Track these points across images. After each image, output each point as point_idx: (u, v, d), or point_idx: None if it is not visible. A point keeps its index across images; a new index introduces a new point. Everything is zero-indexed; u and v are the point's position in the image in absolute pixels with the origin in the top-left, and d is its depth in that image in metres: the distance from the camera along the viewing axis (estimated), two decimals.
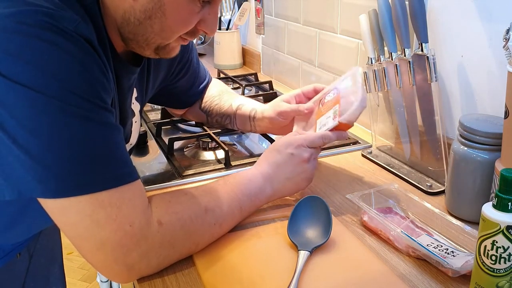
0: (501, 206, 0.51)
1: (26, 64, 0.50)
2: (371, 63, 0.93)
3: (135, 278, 0.61)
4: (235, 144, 1.09)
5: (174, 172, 0.93)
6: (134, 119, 0.80)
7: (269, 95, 1.35)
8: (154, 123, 1.16)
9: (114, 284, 1.59)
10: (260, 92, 1.42)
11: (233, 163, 0.94)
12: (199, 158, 1.01)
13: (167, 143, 1.01)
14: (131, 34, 0.63)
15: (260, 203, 0.74)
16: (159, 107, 1.23)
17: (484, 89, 0.82)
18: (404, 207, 0.76)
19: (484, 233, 0.53)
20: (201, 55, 2.09)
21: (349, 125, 0.78)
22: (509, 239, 0.51)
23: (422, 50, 0.83)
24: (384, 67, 0.91)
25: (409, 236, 0.66)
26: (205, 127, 1.08)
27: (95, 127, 0.54)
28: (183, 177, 0.90)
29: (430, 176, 0.88)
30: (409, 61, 0.85)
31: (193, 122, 1.12)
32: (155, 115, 1.27)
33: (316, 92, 0.90)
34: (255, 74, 1.60)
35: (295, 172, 0.75)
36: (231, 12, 1.90)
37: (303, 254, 0.63)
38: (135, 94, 0.78)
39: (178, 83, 0.96)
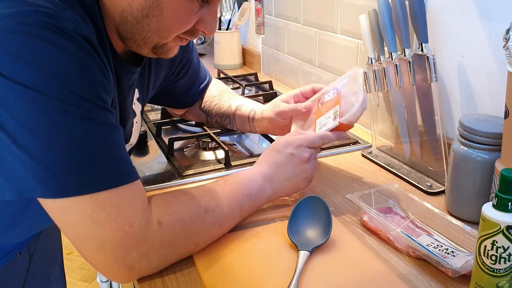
0: (501, 206, 0.51)
1: (26, 64, 0.50)
2: (371, 63, 0.93)
3: (135, 278, 0.61)
4: (235, 144, 1.09)
5: (174, 172, 0.93)
6: (135, 120, 0.80)
7: (269, 95, 1.35)
8: (154, 123, 1.16)
9: (114, 284, 1.59)
10: (260, 92, 1.42)
11: (233, 163, 0.94)
12: (199, 158, 1.01)
13: (167, 143, 1.01)
14: (129, 33, 0.63)
15: (260, 203, 0.74)
16: (159, 107, 1.23)
17: (484, 89, 0.82)
18: (404, 207, 0.76)
19: (484, 233, 0.53)
20: (201, 55, 2.09)
21: (350, 126, 0.78)
22: (509, 239, 0.51)
23: (422, 50, 0.83)
24: (384, 67, 0.91)
25: (409, 236, 0.66)
26: (205, 127, 1.08)
27: (95, 127, 0.54)
28: (183, 177, 0.90)
29: (430, 176, 0.88)
30: (409, 61, 0.85)
31: (193, 122, 1.12)
32: (155, 115, 1.27)
33: (314, 92, 0.91)
34: (255, 74, 1.60)
35: (294, 172, 0.75)
36: (231, 12, 1.90)
37: (303, 254, 0.63)
38: (136, 94, 0.78)
39: (178, 83, 0.96)
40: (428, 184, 0.85)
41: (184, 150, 1.05)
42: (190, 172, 0.91)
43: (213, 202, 0.66)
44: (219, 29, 1.83)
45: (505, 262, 0.52)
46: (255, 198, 0.72)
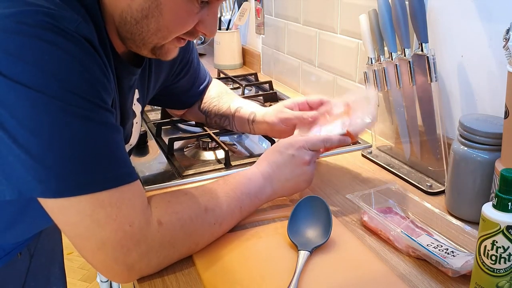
0: (501, 206, 0.51)
1: (27, 64, 0.50)
2: (371, 63, 0.94)
3: (135, 278, 0.61)
4: (235, 144, 1.09)
5: (174, 172, 0.93)
6: (135, 120, 0.80)
7: (269, 95, 1.35)
8: (154, 123, 1.16)
9: (114, 284, 1.59)
10: (260, 92, 1.42)
11: (233, 163, 0.94)
12: (199, 158, 1.01)
13: (167, 143, 1.01)
14: (128, 34, 0.63)
15: (260, 202, 0.74)
16: (159, 107, 1.23)
17: (484, 89, 0.82)
18: (404, 207, 0.76)
19: (484, 233, 0.53)
20: (201, 55, 2.09)
21: (354, 138, 0.81)
22: (509, 239, 0.51)
23: (422, 50, 0.83)
24: (384, 67, 0.91)
25: (409, 236, 0.66)
26: (205, 127, 1.08)
27: (96, 127, 0.54)
28: (183, 177, 0.90)
29: (430, 176, 0.88)
30: (409, 61, 0.85)
31: (193, 122, 1.12)
32: (155, 115, 1.27)
33: (321, 103, 0.90)
34: (255, 74, 1.60)
35: (294, 173, 0.75)
36: (231, 12, 1.90)
37: (303, 254, 0.63)
38: (136, 95, 0.78)
39: (178, 83, 0.96)
40: (428, 184, 0.85)
41: (184, 150, 1.05)
42: (190, 172, 0.91)
43: (213, 201, 0.66)
44: (219, 29, 1.83)
45: (505, 262, 0.52)
46: (255, 198, 0.72)
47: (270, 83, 1.46)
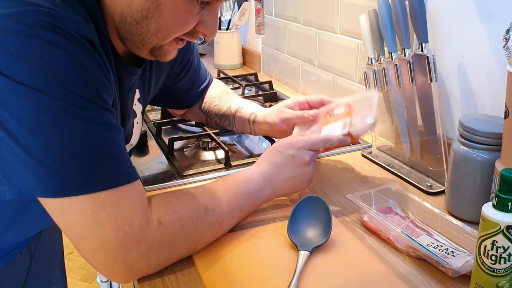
0: (501, 206, 0.51)
1: (27, 64, 0.50)
2: (371, 63, 0.94)
3: (135, 278, 0.61)
4: (235, 144, 1.09)
5: (174, 172, 0.93)
6: (135, 120, 0.80)
7: (269, 95, 1.35)
8: (154, 123, 1.16)
9: (114, 284, 1.59)
10: (260, 92, 1.42)
11: (233, 163, 0.94)
12: (199, 158, 1.01)
13: (167, 143, 1.01)
14: (128, 34, 0.63)
15: (260, 202, 0.74)
16: (160, 107, 1.23)
17: (484, 89, 0.82)
18: (404, 207, 0.76)
19: (484, 233, 0.53)
20: (201, 55, 2.09)
21: (355, 139, 0.80)
22: (509, 239, 0.51)
23: (422, 50, 0.83)
24: (384, 67, 0.91)
25: (409, 236, 0.66)
26: (205, 127, 1.08)
27: (96, 127, 0.54)
28: (183, 177, 0.90)
29: (430, 176, 0.88)
30: (409, 61, 0.85)
31: (193, 122, 1.12)
32: (155, 115, 1.27)
33: (322, 103, 0.90)
34: (255, 74, 1.60)
35: (294, 173, 0.75)
36: (231, 12, 1.90)
37: (303, 254, 0.63)
38: (137, 95, 0.78)
39: (179, 83, 0.96)
40: (428, 184, 0.85)
41: (184, 150, 1.05)
42: (190, 172, 0.92)
43: (213, 201, 0.66)
44: (219, 29, 1.83)
45: (505, 262, 0.52)
46: (255, 197, 0.72)
47: (270, 83, 1.46)
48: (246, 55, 1.86)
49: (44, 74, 0.51)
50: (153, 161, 0.99)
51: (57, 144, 0.52)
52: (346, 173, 0.93)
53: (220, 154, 1.01)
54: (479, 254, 0.54)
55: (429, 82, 0.83)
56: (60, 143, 0.52)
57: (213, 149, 1.03)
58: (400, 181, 0.88)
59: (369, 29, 0.92)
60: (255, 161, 0.79)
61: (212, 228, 0.66)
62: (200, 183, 0.73)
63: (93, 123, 0.54)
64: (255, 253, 0.66)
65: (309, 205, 0.71)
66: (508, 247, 0.51)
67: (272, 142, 1.00)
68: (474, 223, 0.70)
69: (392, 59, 0.89)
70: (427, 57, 0.82)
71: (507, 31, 0.61)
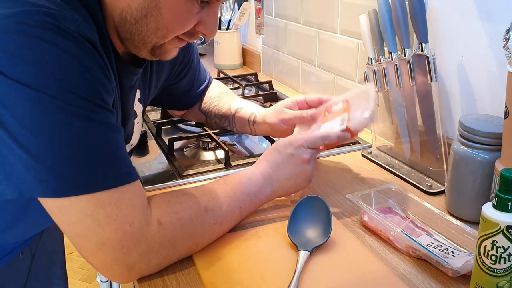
0: (501, 206, 0.51)
1: (27, 64, 0.50)
2: (371, 63, 0.94)
3: (135, 278, 0.61)
4: (235, 144, 1.09)
5: (174, 172, 0.93)
6: (136, 120, 0.80)
7: (269, 95, 1.35)
8: (154, 123, 1.16)
9: (114, 284, 1.59)
10: (260, 92, 1.42)
11: (233, 163, 0.94)
12: (199, 158, 1.01)
13: (167, 143, 1.01)
14: (128, 34, 0.63)
15: (260, 202, 0.74)
16: (160, 107, 1.23)
17: (484, 89, 0.82)
18: (404, 207, 0.76)
19: (484, 233, 0.53)
20: (201, 55, 2.09)
21: (354, 134, 0.80)
22: (509, 239, 0.51)
23: (422, 50, 0.83)
24: (384, 67, 0.91)
25: (409, 236, 0.66)
26: (205, 127, 1.08)
27: (96, 127, 0.54)
28: (183, 177, 0.90)
29: (430, 176, 0.88)
30: (409, 61, 0.85)
31: (193, 122, 1.12)
32: (155, 115, 1.27)
33: (320, 102, 0.90)
34: (255, 74, 1.60)
35: (294, 172, 0.75)
36: (231, 12, 1.90)
37: (303, 254, 0.63)
38: (138, 95, 0.78)
39: (179, 83, 0.96)
40: (428, 184, 0.85)
41: (184, 150, 1.05)
42: (190, 172, 0.92)
43: (213, 201, 0.66)
44: (219, 29, 1.83)
45: (505, 262, 0.52)
46: (255, 197, 0.72)
47: (270, 83, 1.46)
48: (246, 55, 1.86)
49: (44, 74, 0.51)
50: (153, 161, 0.99)
51: (57, 144, 0.52)
52: (346, 173, 0.93)
53: (220, 154, 1.01)
54: (479, 254, 0.54)
55: (429, 82, 0.83)
56: (60, 143, 0.52)
57: (213, 149, 1.03)
58: (400, 181, 0.88)
59: (369, 29, 0.92)
60: (255, 161, 0.79)
61: (212, 228, 0.66)
62: (200, 183, 0.73)
63: (93, 123, 0.54)
64: (255, 253, 0.66)
65: (309, 205, 0.71)
66: (508, 247, 0.51)
67: (272, 142, 1.00)
68: (474, 223, 0.70)
69: (392, 59, 0.89)
70: (427, 57, 0.82)
71: (507, 31, 0.61)
